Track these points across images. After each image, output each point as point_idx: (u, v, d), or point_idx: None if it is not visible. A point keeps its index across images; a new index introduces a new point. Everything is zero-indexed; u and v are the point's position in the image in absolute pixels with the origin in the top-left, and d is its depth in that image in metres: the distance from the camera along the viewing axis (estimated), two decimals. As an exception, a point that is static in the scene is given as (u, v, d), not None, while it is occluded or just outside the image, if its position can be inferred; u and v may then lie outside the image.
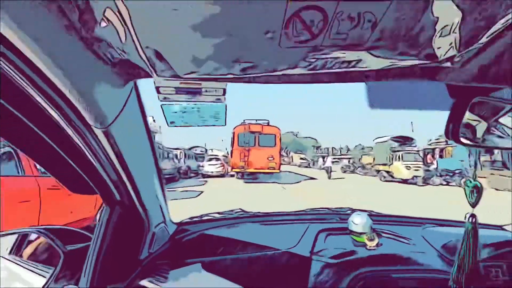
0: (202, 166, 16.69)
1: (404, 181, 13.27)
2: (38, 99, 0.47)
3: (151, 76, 0.47)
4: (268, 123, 13.47)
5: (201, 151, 24.33)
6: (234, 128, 13.34)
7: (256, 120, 13.58)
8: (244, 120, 13.55)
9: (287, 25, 0.35)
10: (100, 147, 0.59)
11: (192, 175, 16.43)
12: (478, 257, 0.66)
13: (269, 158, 12.77)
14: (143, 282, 0.86)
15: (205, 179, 14.45)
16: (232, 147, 13.27)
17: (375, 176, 16.52)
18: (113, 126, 0.55)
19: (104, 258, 0.78)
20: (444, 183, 12.55)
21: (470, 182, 0.62)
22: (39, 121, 0.54)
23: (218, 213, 1.39)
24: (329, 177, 16.47)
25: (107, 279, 0.77)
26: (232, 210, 1.43)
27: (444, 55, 0.44)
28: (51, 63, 0.39)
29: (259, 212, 1.43)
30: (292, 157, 43.07)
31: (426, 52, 0.42)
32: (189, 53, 0.40)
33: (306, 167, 31.89)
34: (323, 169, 20.66)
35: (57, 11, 0.34)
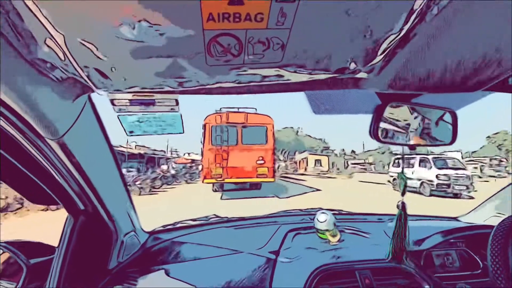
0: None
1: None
2: None
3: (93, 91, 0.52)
4: (255, 111, 9.59)
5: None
6: (205, 118, 9.03)
7: (238, 108, 9.35)
8: (220, 108, 9.33)
9: (209, 48, 0.41)
10: (56, 158, 0.62)
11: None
12: (407, 236, 0.77)
13: (259, 162, 9.03)
14: None
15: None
16: (203, 146, 8.95)
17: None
18: (67, 137, 0.58)
19: (69, 269, 0.78)
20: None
21: (400, 176, 0.70)
22: None
23: (192, 220, 1.40)
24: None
25: None
26: (206, 216, 1.46)
27: (356, 67, 0.52)
28: None
29: (233, 217, 1.46)
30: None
31: (337, 67, 0.49)
32: (127, 71, 0.45)
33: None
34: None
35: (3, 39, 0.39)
